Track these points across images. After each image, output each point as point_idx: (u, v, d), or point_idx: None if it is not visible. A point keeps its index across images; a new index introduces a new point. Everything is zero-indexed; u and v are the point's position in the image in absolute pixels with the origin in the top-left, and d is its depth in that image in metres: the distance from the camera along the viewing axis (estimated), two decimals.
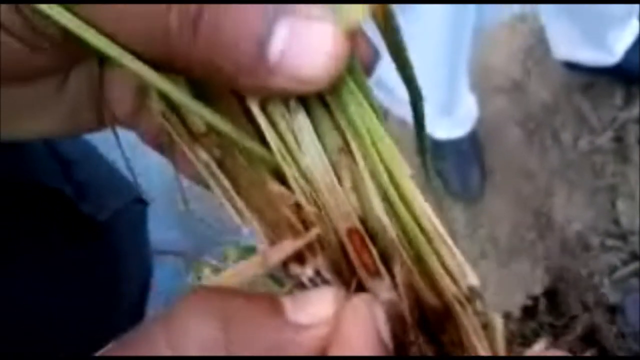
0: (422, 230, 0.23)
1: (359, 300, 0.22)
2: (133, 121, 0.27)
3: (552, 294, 1.41)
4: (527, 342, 1.27)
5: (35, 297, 0.37)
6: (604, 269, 1.40)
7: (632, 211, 1.41)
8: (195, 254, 0.59)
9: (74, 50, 0.22)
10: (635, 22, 1.37)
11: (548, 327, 1.37)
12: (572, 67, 1.48)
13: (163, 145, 0.27)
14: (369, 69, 0.24)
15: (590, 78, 1.48)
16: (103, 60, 0.25)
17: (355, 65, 0.22)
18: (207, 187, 0.26)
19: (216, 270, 1.40)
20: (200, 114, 0.22)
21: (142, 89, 0.25)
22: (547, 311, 1.39)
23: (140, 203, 0.48)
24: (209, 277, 1.36)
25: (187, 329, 0.20)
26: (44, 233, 0.38)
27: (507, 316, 1.37)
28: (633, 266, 1.38)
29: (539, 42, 1.54)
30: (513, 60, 1.57)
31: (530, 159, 1.50)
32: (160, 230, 0.50)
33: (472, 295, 0.23)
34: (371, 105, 0.23)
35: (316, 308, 0.21)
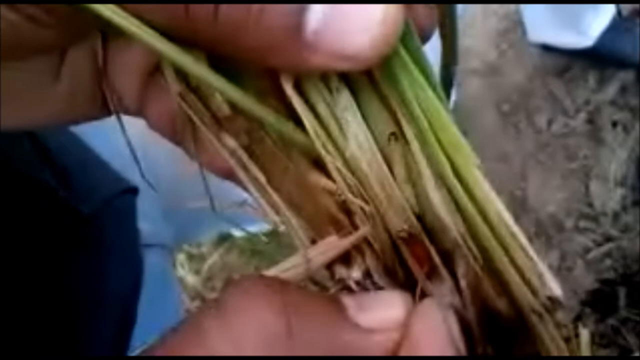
0: (493, 230, 0.20)
1: (430, 305, 0.20)
2: (141, 106, 0.24)
3: None
4: None
5: (11, 293, 0.35)
6: (577, 250, 1.42)
7: (605, 193, 1.42)
8: (176, 243, 0.57)
9: (77, 26, 0.19)
10: (610, 5, 1.37)
11: None
12: (547, 50, 1.48)
13: (177, 133, 0.24)
14: (426, 36, 0.20)
15: (565, 61, 1.48)
16: (106, 38, 0.22)
17: (410, 34, 0.19)
18: (232, 179, 0.23)
19: (190, 256, 1.38)
20: (225, 92, 0.19)
21: (154, 69, 0.22)
22: None
23: (128, 194, 0.45)
24: (184, 264, 1.35)
25: (247, 321, 0.18)
26: (21, 225, 0.36)
27: None
28: (606, 247, 1.40)
29: (515, 24, 1.54)
30: (488, 43, 1.57)
31: (505, 141, 1.51)
32: (146, 222, 0.47)
33: (553, 306, 0.20)
34: (429, 82, 0.19)
35: (384, 311, 0.20)
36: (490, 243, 0.20)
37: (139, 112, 0.24)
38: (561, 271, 1.40)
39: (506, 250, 0.20)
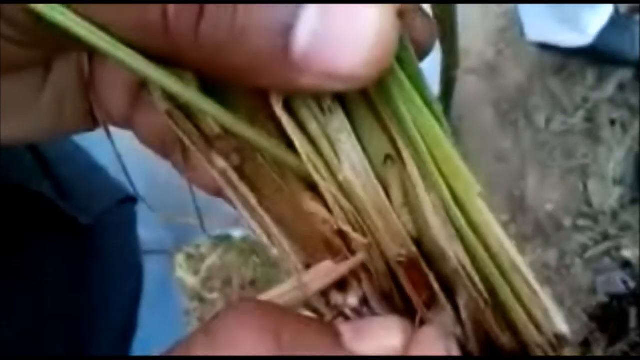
0: (495, 260, 0.19)
1: (431, 333, 0.19)
2: (129, 119, 0.23)
3: None
4: None
5: (10, 307, 0.35)
6: (575, 249, 1.42)
7: (603, 191, 1.42)
8: (176, 247, 0.57)
9: (57, 44, 0.19)
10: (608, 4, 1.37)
11: None
12: (545, 48, 1.48)
13: (167, 149, 0.23)
14: (424, 52, 0.19)
15: (563, 59, 1.48)
16: (93, 51, 0.21)
17: (406, 50, 0.18)
18: (222, 197, 0.22)
19: (189, 257, 1.38)
20: (212, 113, 0.18)
21: (141, 82, 0.22)
22: None
23: (128, 202, 0.45)
24: (182, 264, 1.34)
25: (236, 344, 0.17)
26: (20, 237, 0.36)
27: None
28: (604, 246, 1.40)
29: (513, 23, 1.53)
30: (486, 41, 1.56)
31: (503, 140, 1.50)
32: (145, 229, 0.47)
33: (560, 343, 0.19)
34: (426, 102, 0.18)
35: (381, 339, 0.19)
36: (492, 274, 0.19)
37: (127, 126, 0.23)
38: (559, 270, 1.40)
39: (509, 282, 0.19)
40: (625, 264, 1.36)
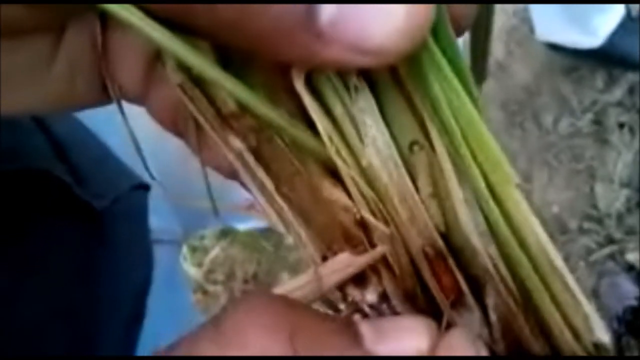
0: (531, 260, 0.17)
1: (460, 336, 0.17)
2: (143, 94, 0.21)
3: None
4: None
5: (22, 290, 0.34)
6: (580, 251, 1.41)
7: (609, 195, 1.41)
8: (184, 237, 0.57)
9: (66, 4, 0.17)
10: (620, 6, 1.36)
11: None
12: (555, 49, 1.47)
13: (180, 127, 0.21)
14: (461, 28, 0.17)
15: (572, 61, 1.47)
16: (105, 19, 0.20)
17: (444, 25, 0.16)
18: (237, 180, 0.21)
19: (193, 249, 1.38)
20: (229, 89, 0.17)
21: (156, 54, 0.20)
22: None
23: (141, 190, 0.45)
24: (186, 256, 1.34)
25: (245, 340, 0.16)
26: (33, 220, 0.36)
27: None
28: (609, 249, 1.39)
29: (523, 23, 1.53)
30: (496, 40, 1.56)
31: (510, 141, 1.50)
32: (155, 218, 0.47)
33: (598, 353, 0.17)
34: (464, 84, 0.16)
35: (406, 342, 0.17)
36: (528, 275, 0.17)
37: (140, 100, 0.22)
38: None
39: (546, 284, 0.17)
40: (629, 268, 1.36)
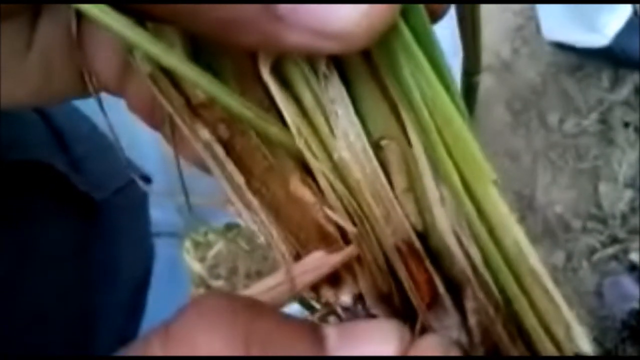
0: (509, 264, 0.16)
1: (433, 342, 0.17)
2: (120, 85, 0.21)
3: None
4: None
5: (21, 280, 0.35)
6: (583, 251, 1.41)
7: (614, 195, 1.41)
8: (186, 231, 0.57)
9: None
10: (627, 5, 1.35)
11: None
12: (562, 48, 1.47)
13: (157, 119, 0.21)
14: (437, 14, 0.16)
15: (579, 60, 1.47)
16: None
17: (417, 8, 0.15)
18: (209, 172, 0.20)
19: (196, 244, 1.38)
20: (193, 79, 0.15)
21: (128, 44, 0.19)
22: None
23: (142, 181, 0.45)
24: (190, 251, 1.35)
25: (194, 343, 0.15)
26: (32, 211, 0.36)
27: None
28: (612, 249, 1.39)
29: (529, 21, 1.52)
30: (502, 39, 1.55)
31: (515, 139, 1.49)
32: (157, 211, 0.47)
33: None
34: (439, 73, 0.15)
35: (372, 346, 0.16)
36: (506, 279, 0.16)
37: (118, 92, 0.21)
38: (566, 271, 1.39)
39: (525, 291, 0.16)
40: (633, 268, 1.35)
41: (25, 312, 0.35)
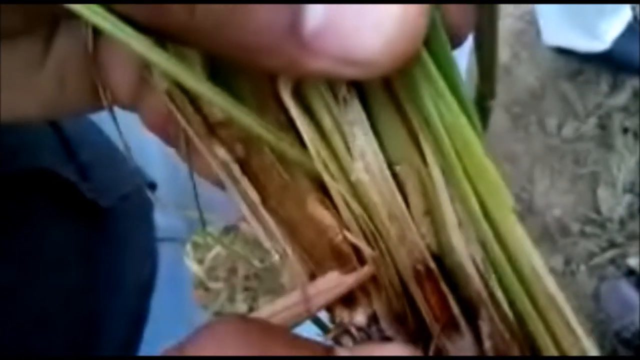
0: (527, 289, 0.16)
1: None
2: (134, 100, 0.21)
3: None
4: None
5: (28, 286, 0.35)
6: (581, 255, 1.41)
7: (612, 199, 1.41)
8: (187, 235, 0.57)
9: (53, 8, 0.17)
10: (626, 10, 1.36)
11: None
12: (561, 53, 1.47)
13: (172, 135, 0.21)
14: (458, 39, 0.16)
15: (578, 64, 1.47)
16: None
17: (438, 35, 0.15)
18: (223, 187, 0.20)
19: (196, 246, 1.38)
20: (212, 98, 0.16)
21: (145, 61, 0.19)
22: None
23: (148, 188, 0.45)
24: (189, 253, 1.35)
25: None
26: (37, 217, 0.36)
27: None
28: (610, 254, 1.39)
29: (529, 26, 1.53)
30: (502, 43, 1.55)
31: (514, 143, 1.50)
32: (160, 216, 0.47)
33: None
34: (458, 98, 0.15)
35: None
36: (523, 304, 0.16)
37: (132, 106, 0.21)
38: (564, 275, 1.40)
39: (542, 316, 0.16)
40: (630, 272, 1.36)
41: (29, 316, 0.35)
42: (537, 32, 1.48)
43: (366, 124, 0.17)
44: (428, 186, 0.17)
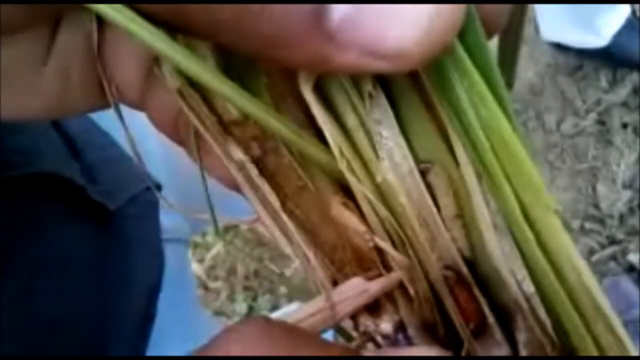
0: (571, 296, 0.15)
1: None
2: (142, 98, 0.20)
3: None
4: None
5: (37, 289, 0.34)
6: (582, 252, 1.41)
7: (612, 195, 1.41)
8: (191, 235, 0.57)
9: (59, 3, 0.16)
10: (625, 5, 1.36)
11: None
12: (560, 48, 1.47)
13: (182, 133, 0.20)
14: (490, 32, 0.15)
15: (577, 60, 1.47)
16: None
17: (473, 27, 0.14)
18: (236, 189, 0.19)
19: (195, 245, 1.38)
20: (229, 96, 0.15)
21: (155, 55, 0.18)
22: None
23: (154, 190, 0.45)
24: (190, 252, 1.34)
25: None
26: (46, 221, 0.35)
27: None
28: (610, 250, 1.39)
29: (528, 22, 1.52)
30: None
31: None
32: (164, 217, 0.47)
33: None
34: (495, 93, 0.14)
35: None
36: (567, 313, 0.15)
37: (139, 104, 0.20)
38: None
39: (587, 325, 0.15)
40: (631, 269, 1.36)
41: (40, 321, 0.35)
42: (536, 28, 1.48)
43: (393, 122, 0.16)
44: (459, 187, 0.16)
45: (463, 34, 0.14)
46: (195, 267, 1.37)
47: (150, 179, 0.42)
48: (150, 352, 0.43)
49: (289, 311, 0.17)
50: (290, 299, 1.34)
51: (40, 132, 0.36)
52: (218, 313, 1.36)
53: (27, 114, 0.20)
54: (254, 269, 1.39)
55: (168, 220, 0.48)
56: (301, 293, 1.32)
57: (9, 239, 0.33)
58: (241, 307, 1.37)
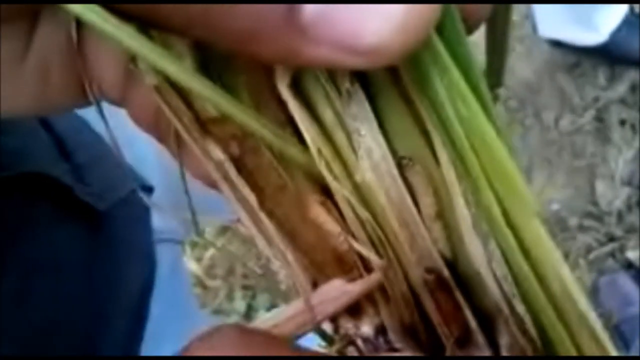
0: (554, 303, 0.15)
1: None
2: (122, 94, 0.20)
3: None
4: None
5: (29, 291, 0.34)
6: (580, 249, 1.41)
7: (610, 192, 1.41)
8: (185, 235, 0.57)
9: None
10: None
11: None
12: (558, 45, 1.47)
13: (162, 132, 0.20)
14: (471, 26, 0.15)
15: (575, 57, 1.47)
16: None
17: (452, 21, 0.13)
18: (216, 188, 0.19)
19: (193, 244, 1.38)
20: (205, 94, 0.14)
21: (132, 54, 0.17)
22: None
23: (144, 191, 0.44)
24: (186, 251, 1.34)
25: None
26: (36, 223, 0.35)
27: None
28: (609, 247, 1.39)
29: (525, 19, 1.52)
30: None
31: (511, 137, 1.50)
32: (158, 217, 0.47)
33: None
34: (475, 89, 0.14)
35: None
36: (549, 320, 0.15)
37: (119, 101, 0.20)
38: None
39: (570, 333, 0.15)
40: (629, 266, 1.36)
41: (32, 323, 0.35)
42: (533, 25, 1.48)
43: (372, 119, 0.15)
44: (440, 186, 0.16)
45: (441, 29, 0.13)
46: (194, 266, 1.37)
47: (141, 180, 0.41)
48: (144, 352, 0.43)
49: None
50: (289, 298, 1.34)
51: (28, 132, 0.36)
52: (217, 312, 1.36)
53: (9, 109, 0.19)
54: (253, 267, 1.39)
55: (161, 220, 0.48)
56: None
57: (0, 239, 0.33)
58: (240, 305, 1.37)
